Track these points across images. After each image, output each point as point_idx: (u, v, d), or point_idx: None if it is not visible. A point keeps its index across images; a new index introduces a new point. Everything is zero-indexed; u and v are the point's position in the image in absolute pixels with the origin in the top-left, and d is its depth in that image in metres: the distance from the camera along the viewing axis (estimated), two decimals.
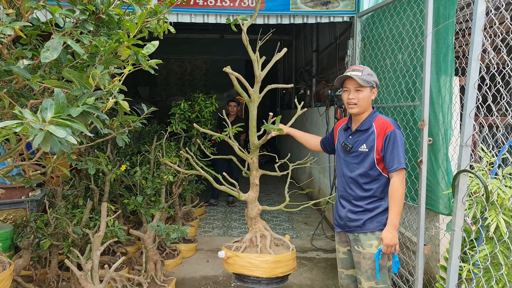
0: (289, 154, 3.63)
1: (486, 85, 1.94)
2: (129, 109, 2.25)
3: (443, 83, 2.83)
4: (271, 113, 2.83)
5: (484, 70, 1.90)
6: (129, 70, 1.82)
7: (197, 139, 4.93)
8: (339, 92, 4.65)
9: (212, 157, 3.63)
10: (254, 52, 2.89)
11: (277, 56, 2.86)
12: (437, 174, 2.87)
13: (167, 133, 4.51)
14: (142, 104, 2.50)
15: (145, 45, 1.89)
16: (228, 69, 2.78)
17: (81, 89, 1.52)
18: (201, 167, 3.34)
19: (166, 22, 2.44)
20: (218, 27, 10.03)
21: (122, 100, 1.89)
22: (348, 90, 2.47)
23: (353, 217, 2.46)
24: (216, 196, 7.01)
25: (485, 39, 1.99)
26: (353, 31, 4.12)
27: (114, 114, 2.44)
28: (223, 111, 4.45)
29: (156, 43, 1.94)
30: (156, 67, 2.05)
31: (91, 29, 1.75)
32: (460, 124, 2.13)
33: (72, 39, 1.55)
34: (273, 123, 2.83)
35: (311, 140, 2.99)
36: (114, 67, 1.84)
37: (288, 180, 3.32)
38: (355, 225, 2.45)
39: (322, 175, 6.48)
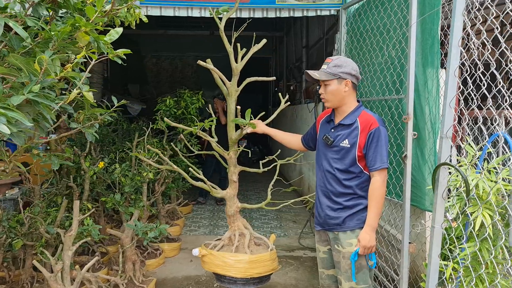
0: (279, 150, 3.51)
1: (468, 74, 1.84)
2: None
3: (429, 75, 2.73)
4: (249, 109, 2.69)
5: (465, 57, 1.80)
6: (95, 60, 1.70)
7: (182, 136, 4.80)
8: None
9: (196, 152, 3.52)
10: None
11: (255, 48, 2.75)
12: (422, 169, 2.78)
13: (149, 129, 4.39)
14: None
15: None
16: (202, 62, 2.67)
17: (29, 76, 1.41)
18: (186, 164, 3.22)
19: (137, 11, 2.32)
20: (208, 24, 9.90)
21: (89, 91, 1.78)
22: (321, 85, 2.38)
23: (332, 214, 2.35)
24: (204, 194, 6.85)
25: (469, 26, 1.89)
26: (339, 24, 4.02)
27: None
28: (209, 105, 4.34)
29: (120, 29, 1.81)
30: (124, 57, 1.93)
31: (45, 13, 1.62)
32: None
33: (17, 22, 1.42)
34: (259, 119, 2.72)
35: (292, 140, 2.81)
36: (76, 56, 1.72)
37: (275, 177, 3.21)
38: (334, 223, 2.34)
39: (312, 172, 6.38)
